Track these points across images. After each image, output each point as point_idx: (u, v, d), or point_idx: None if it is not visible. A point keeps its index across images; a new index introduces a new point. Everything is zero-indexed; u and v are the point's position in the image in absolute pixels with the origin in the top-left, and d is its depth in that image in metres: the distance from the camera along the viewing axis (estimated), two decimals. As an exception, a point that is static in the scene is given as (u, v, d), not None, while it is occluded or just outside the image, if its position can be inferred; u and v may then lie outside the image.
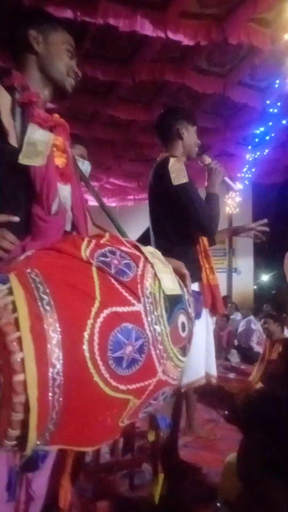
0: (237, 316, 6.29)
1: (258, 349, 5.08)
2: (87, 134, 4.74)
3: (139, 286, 0.68)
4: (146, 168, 6.00)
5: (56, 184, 0.90)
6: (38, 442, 0.53)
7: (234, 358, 5.02)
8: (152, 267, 0.73)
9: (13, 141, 0.85)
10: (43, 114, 0.93)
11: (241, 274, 8.90)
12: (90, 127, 4.78)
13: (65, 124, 1.01)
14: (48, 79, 0.98)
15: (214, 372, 1.68)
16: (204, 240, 1.64)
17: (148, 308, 0.66)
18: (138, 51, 3.52)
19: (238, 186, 6.25)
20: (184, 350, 0.73)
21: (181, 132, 1.67)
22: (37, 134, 0.88)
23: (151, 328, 0.65)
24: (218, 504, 1.15)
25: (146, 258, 0.75)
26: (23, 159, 0.84)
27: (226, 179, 1.68)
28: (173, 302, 0.72)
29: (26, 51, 0.96)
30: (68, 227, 0.97)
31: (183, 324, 0.73)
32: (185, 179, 1.53)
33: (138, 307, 0.65)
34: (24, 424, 0.50)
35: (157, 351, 0.66)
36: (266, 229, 1.81)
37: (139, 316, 0.64)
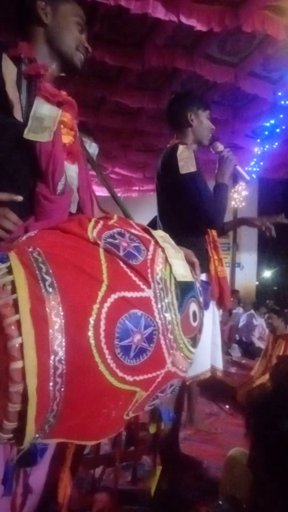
0: (239, 310, 6.26)
1: (259, 344, 5.08)
2: (93, 121, 4.66)
3: (149, 270, 0.63)
4: (153, 159, 5.92)
5: (63, 162, 0.84)
6: (36, 435, 0.49)
7: (236, 352, 5.01)
8: (163, 251, 0.68)
9: (18, 115, 0.79)
10: (51, 88, 0.88)
11: (244, 269, 8.87)
12: (96, 114, 4.69)
13: (73, 102, 0.95)
14: (56, 53, 0.92)
15: (220, 365, 1.65)
16: (213, 231, 1.59)
17: (158, 294, 0.61)
18: (149, 36, 3.42)
19: (247, 177, 6.15)
20: (194, 341, 0.69)
21: (190, 118, 1.61)
22: (44, 109, 0.82)
23: (161, 316, 0.60)
24: (220, 502, 1.12)
25: (156, 242, 0.70)
26: (28, 134, 0.78)
27: (238, 168, 1.59)
28: (185, 290, 0.67)
29: (33, 23, 0.90)
30: (73, 209, 0.91)
31: (194, 313, 0.68)
32: (193, 168, 1.47)
33: (148, 292, 0.60)
34: (22, 416, 0.46)
35: (167, 341, 0.61)
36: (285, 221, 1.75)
37: (148, 303, 0.59)
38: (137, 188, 7.72)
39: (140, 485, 1.46)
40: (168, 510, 1.43)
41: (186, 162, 1.49)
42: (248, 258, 8.91)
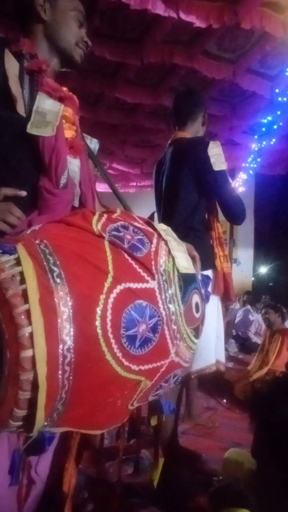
0: (236, 306, 6.30)
1: (255, 339, 5.12)
2: (91, 117, 4.63)
3: (153, 262, 0.64)
4: (151, 154, 5.89)
5: (66, 156, 0.85)
6: (45, 423, 0.50)
7: (232, 347, 5.04)
8: (166, 244, 0.70)
9: (21, 109, 0.80)
10: (53, 83, 0.88)
11: (241, 265, 8.90)
12: (94, 110, 4.66)
13: (74, 97, 0.96)
14: (56, 49, 0.92)
15: (223, 359, 1.67)
16: (219, 227, 1.60)
17: (162, 285, 0.62)
18: (148, 32, 3.40)
19: (242, 176, 6.16)
20: (197, 332, 0.70)
21: (206, 117, 1.67)
22: (46, 104, 0.83)
23: (165, 306, 0.61)
24: (215, 479, 1.14)
25: (159, 235, 0.71)
26: (31, 129, 0.79)
27: None
28: (187, 281, 0.68)
29: (32, 20, 0.90)
30: (76, 203, 0.92)
31: (197, 304, 0.70)
32: (224, 166, 1.51)
33: (152, 284, 0.61)
34: (32, 404, 0.47)
35: (171, 331, 0.62)
36: None
37: (153, 294, 0.60)
38: (134, 184, 7.68)
39: (141, 478, 1.48)
40: (168, 502, 1.45)
41: (217, 159, 1.50)
42: (245, 254, 8.95)
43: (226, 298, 1.64)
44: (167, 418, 1.31)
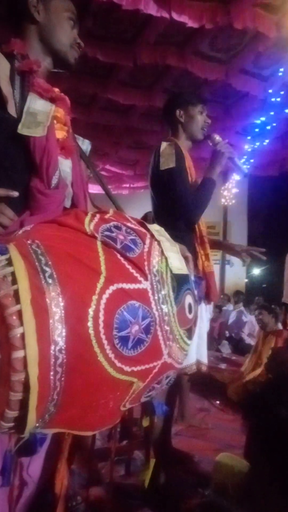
0: (229, 307, 6.33)
1: (249, 340, 5.15)
2: (84, 118, 4.62)
3: (145, 263, 0.64)
4: (144, 156, 5.91)
5: (57, 156, 0.85)
6: (37, 425, 0.50)
7: (225, 349, 5.06)
8: (159, 244, 0.70)
9: (12, 110, 0.80)
10: (44, 84, 0.88)
11: (234, 266, 8.95)
12: (87, 111, 4.66)
13: (65, 98, 0.96)
14: (50, 50, 0.92)
15: (205, 359, 1.66)
16: (201, 226, 1.59)
17: (155, 286, 0.62)
18: (140, 33, 3.41)
19: (235, 177, 6.20)
20: (190, 333, 0.70)
21: (180, 115, 1.61)
22: (37, 104, 0.83)
23: (158, 307, 0.61)
24: (206, 493, 1.14)
25: (152, 236, 0.71)
26: (22, 129, 0.78)
27: (236, 160, 1.59)
28: (180, 282, 0.68)
29: (26, 21, 0.90)
30: (68, 203, 0.92)
31: (189, 305, 0.70)
32: (172, 164, 1.48)
33: (145, 284, 0.61)
34: (23, 405, 0.46)
35: (164, 332, 0.62)
36: (262, 257, 1.76)
37: (146, 294, 0.60)
38: (127, 185, 7.69)
39: (133, 479, 1.48)
40: (161, 503, 1.45)
41: (167, 158, 1.50)
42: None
43: (208, 298, 1.62)
44: (159, 419, 1.31)
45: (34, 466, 0.76)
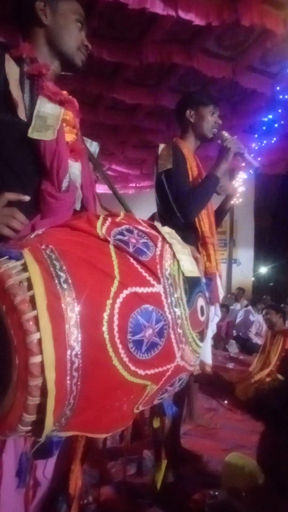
0: (237, 306, 6.31)
1: (256, 340, 5.12)
2: (90, 118, 4.63)
3: (158, 266, 0.64)
4: (150, 155, 5.89)
5: (67, 159, 0.85)
6: (54, 428, 0.50)
7: (233, 348, 5.05)
8: (171, 247, 0.70)
9: (22, 114, 0.80)
10: (53, 87, 0.88)
11: (241, 265, 8.91)
12: (93, 111, 4.67)
13: (74, 100, 0.96)
14: (57, 53, 0.92)
15: (209, 360, 1.66)
16: (203, 227, 1.58)
17: (168, 289, 0.62)
18: (146, 31, 3.40)
19: (242, 175, 6.15)
20: (202, 335, 0.70)
21: (189, 115, 1.62)
22: (47, 108, 0.83)
23: (171, 310, 0.61)
24: (216, 493, 1.14)
25: (164, 238, 0.71)
26: (32, 133, 0.79)
27: (246, 155, 1.57)
28: (192, 285, 0.68)
29: (33, 24, 0.90)
30: (78, 206, 0.92)
31: (202, 308, 0.70)
32: (169, 165, 1.49)
33: (158, 288, 0.61)
34: (40, 409, 0.47)
35: (177, 335, 0.62)
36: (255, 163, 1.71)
37: (159, 298, 0.60)
38: (134, 185, 7.69)
39: (143, 478, 1.49)
40: (170, 502, 1.46)
41: (164, 160, 1.51)
42: (245, 254, 8.95)
43: (210, 299, 1.63)
44: (168, 419, 1.32)
45: (47, 466, 0.77)
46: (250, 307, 5.78)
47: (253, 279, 9.20)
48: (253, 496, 0.91)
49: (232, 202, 1.89)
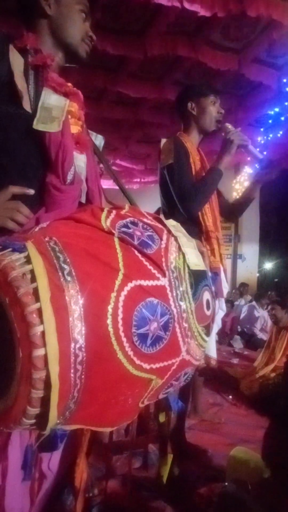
0: (241, 302, 6.28)
1: (261, 335, 5.10)
2: (93, 112, 4.59)
3: (163, 259, 0.63)
4: (154, 150, 5.85)
5: (72, 151, 0.84)
6: (58, 421, 0.50)
7: (238, 344, 5.03)
8: (176, 240, 0.69)
9: (26, 105, 0.79)
10: (58, 78, 0.87)
11: (245, 261, 8.86)
12: (97, 105, 4.63)
13: (78, 92, 0.95)
14: (61, 44, 0.91)
15: (213, 354, 1.66)
16: (207, 221, 1.56)
17: (173, 283, 0.62)
18: (151, 23, 3.35)
19: (248, 170, 6.09)
20: (208, 329, 0.69)
21: (191, 108, 1.59)
22: (52, 99, 0.82)
23: (177, 304, 0.61)
24: (226, 484, 1.14)
25: (169, 231, 0.70)
26: (37, 125, 0.78)
27: (250, 147, 1.54)
28: (198, 278, 0.67)
29: (37, 15, 0.89)
30: (83, 199, 0.91)
31: (207, 301, 0.69)
32: (171, 160, 1.48)
33: (163, 281, 0.60)
34: (44, 402, 0.47)
35: (182, 329, 0.62)
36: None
37: (164, 291, 0.60)
38: (138, 180, 7.66)
39: (148, 472, 1.49)
40: (175, 496, 1.46)
41: (166, 155, 1.49)
42: (250, 250, 8.90)
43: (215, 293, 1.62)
44: (174, 414, 1.32)
45: (52, 460, 0.77)
46: (254, 303, 5.75)
47: (258, 274, 9.15)
48: (259, 490, 0.91)
49: (257, 189, 1.75)
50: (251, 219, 8.67)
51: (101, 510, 1.24)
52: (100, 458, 1.29)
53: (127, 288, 0.55)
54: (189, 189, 1.46)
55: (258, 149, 1.67)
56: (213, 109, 1.58)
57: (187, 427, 2.10)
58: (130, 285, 0.55)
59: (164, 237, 0.67)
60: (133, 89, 4.27)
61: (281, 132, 4.90)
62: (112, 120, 5.11)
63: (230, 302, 5.55)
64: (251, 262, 8.93)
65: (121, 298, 0.54)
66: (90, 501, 1.28)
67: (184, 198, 1.47)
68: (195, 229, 1.54)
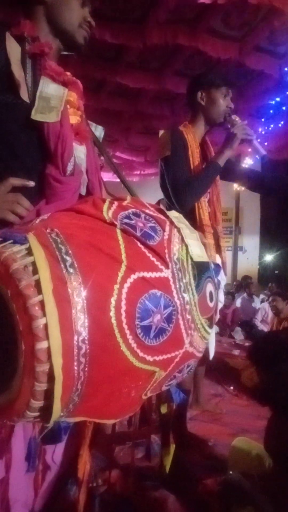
0: (244, 295, 6.29)
1: (262, 327, 5.13)
2: (92, 104, 4.54)
3: (166, 251, 0.62)
4: (154, 142, 5.78)
5: (72, 142, 0.83)
6: (61, 414, 0.50)
7: (238, 335, 5.06)
8: (179, 231, 0.68)
9: (24, 95, 0.77)
10: (56, 67, 0.85)
11: (246, 253, 8.87)
12: (96, 96, 4.57)
13: (77, 81, 0.93)
14: (58, 31, 0.88)
15: (211, 348, 1.65)
16: (202, 215, 1.53)
17: (176, 274, 0.61)
18: (150, 11, 3.28)
19: (248, 161, 6.04)
20: (211, 321, 0.69)
21: (200, 98, 1.54)
22: (50, 88, 0.80)
23: (180, 296, 0.60)
24: (230, 472, 1.15)
25: (171, 222, 0.69)
26: (35, 115, 0.76)
27: (255, 141, 1.51)
28: (201, 270, 0.67)
29: (32, 2, 0.86)
30: (83, 191, 0.90)
31: (211, 293, 0.68)
32: (168, 152, 1.45)
33: (166, 273, 0.60)
34: (48, 395, 0.46)
35: (185, 321, 0.61)
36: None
37: (167, 283, 0.59)
38: (138, 172, 7.61)
39: (150, 462, 1.51)
40: (177, 485, 1.48)
41: (163, 147, 1.47)
42: (251, 242, 8.90)
43: None
44: (176, 405, 1.33)
45: (56, 451, 0.78)
46: (245, 295, 5.77)
47: (258, 267, 9.15)
48: (261, 480, 0.92)
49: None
50: (251, 211, 8.64)
51: (104, 500, 1.26)
52: (103, 448, 1.30)
53: (130, 280, 0.54)
54: (182, 183, 1.44)
55: (259, 140, 1.64)
56: (223, 102, 1.53)
57: (189, 418, 2.12)
58: (133, 277, 0.55)
59: (167, 228, 0.66)
60: (133, 79, 4.21)
61: (282, 122, 4.84)
62: (112, 112, 5.05)
63: (231, 294, 5.56)
64: (251, 254, 8.94)
65: (124, 290, 0.53)
66: (94, 491, 1.30)
67: (177, 192, 1.45)
68: (190, 222, 1.52)
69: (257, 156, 1.56)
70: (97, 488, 1.31)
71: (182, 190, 1.44)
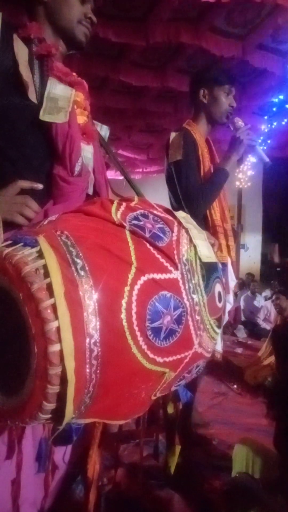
0: (248, 293, 6.28)
1: (264, 325, 5.13)
2: (95, 102, 4.52)
3: (175, 252, 0.62)
4: (157, 140, 5.77)
5: (80, 142, 0.83)
6: (73, 416, 0.50)
7: (241, 333, 5.06)
8: (187, 232, 0.68)
9: (32, 96, 0.78)
10: (63, 67, 0.85)
11: (248, 251, 8.85)
12: (98, 94, 4.55)
13: (83, 82, 0.93)
14: (58, 30, 0.88)
15: (219, 347, 1.64)
16: (214, 215, 1.53)
17: (185, 275, 0.61)
18: (153, 9, 3.27)
19: (251, 159, 6.02)
20: (219, 322, 0.69)
21: (202, 95, 1.52)
22: (57, 89, 0.80)
23: (189, 297, 0.60)
24: (237, 474, 1.16)
25: (179, 223, 0.69)
26: (44, 116, 0.77)
27: (258, 149, 1.48)
28: (210, 270, 0.67)
29: (33, 3, 0.86)
30: (90, 191, 0.90)
31: (219, 294, 0.68)
32: (179, 156, 1.43)
33: (176, 274, 0.60)
34: (60, 397, 0.46)
35: (195, 322, 0.61)
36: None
37: (177, 284, 0.59)
38: (140, 170, 7.59)
39: (156, 461, 1.52)
40: (182, 483, 1.49)
41: (175, 150, 1.45)
42: (253, 239, 8.87)
43: None
44: (183, 405, 1.33)
45: (67, 452, 0.78)
46: (248, 292, 5.75)
47: (260, 264, 9.13)
48: (267, 481, 0.92)
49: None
50: (254, 209, 8.61)
51: (110, 499, 1.26)
52: (110, 447, 1.31)
53: (140, 282, 0.54)
54: (195, 191, 1.43)
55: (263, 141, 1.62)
56: (225, 100, 1.51)
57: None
58: (143, 278, 0.55)
59: (175, 229, 0.66)
60: (136, 77, 4.20)
61: (285, 120, 4.82)
62: (114, 110, 5.04)
63: (234, 293, 5.55)
64: (254, 252, 8.91)
65: (135, 292, 0.53)
66: (99, 490, 1.30)
67: (189, 199, 1.44)
68: (202, 223, 1.52)
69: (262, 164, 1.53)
70: (103, 487, 1.32)
71: (196, 199, 1.44)
